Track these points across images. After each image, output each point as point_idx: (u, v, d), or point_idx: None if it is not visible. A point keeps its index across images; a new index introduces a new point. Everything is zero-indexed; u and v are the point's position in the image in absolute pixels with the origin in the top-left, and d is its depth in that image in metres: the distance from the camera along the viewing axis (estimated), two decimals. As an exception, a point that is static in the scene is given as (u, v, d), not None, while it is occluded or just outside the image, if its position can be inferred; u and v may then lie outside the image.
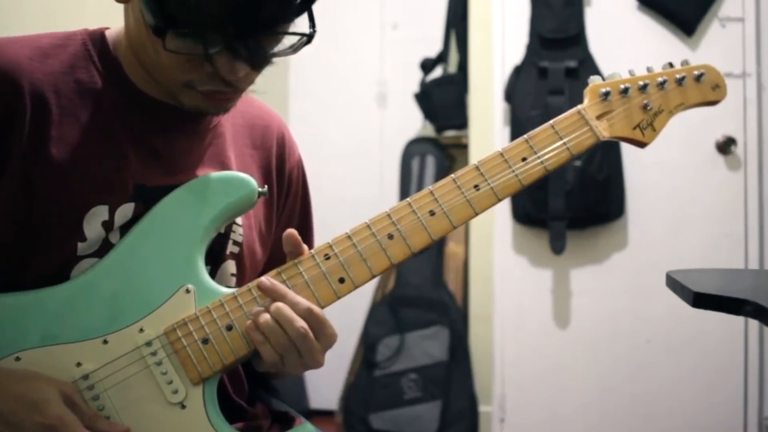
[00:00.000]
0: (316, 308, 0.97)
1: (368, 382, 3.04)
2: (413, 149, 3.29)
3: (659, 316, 2.81)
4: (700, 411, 2.81)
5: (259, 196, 1.03)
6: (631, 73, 1.14)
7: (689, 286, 1.04)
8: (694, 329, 2.78)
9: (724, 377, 2.81)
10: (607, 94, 1.11)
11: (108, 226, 0.98)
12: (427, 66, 3.26)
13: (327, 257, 1.01)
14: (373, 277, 1.01)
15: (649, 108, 1.13)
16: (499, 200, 1.05)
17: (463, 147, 3.20)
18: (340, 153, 3.50)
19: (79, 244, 0.97)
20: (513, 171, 1.05)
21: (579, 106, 1.10)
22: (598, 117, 1.11)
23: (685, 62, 1.17)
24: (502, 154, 1.06)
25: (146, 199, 1.00)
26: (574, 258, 2.93)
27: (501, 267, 2.97)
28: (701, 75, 1.16)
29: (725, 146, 2.81)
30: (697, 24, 2.84)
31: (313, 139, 3.20)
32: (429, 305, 3.06)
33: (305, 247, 1.01)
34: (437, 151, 3.26)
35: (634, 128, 1.12)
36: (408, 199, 1.03)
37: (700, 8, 2.83)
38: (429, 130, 3.35)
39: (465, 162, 3.18)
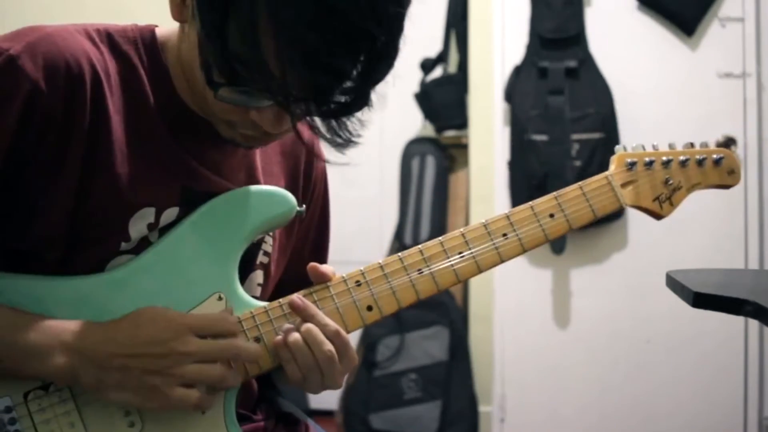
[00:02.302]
0: (343, 331, 0.98)
1: (368, 382, 3.04)
2: (413, 149, 3.28)
3: (659, 316, 2.82)
4: (700, 411, 2.81)
5: (295, 215, 1.04)
6: (654, 147, 1.19)
7: (689, 286, 1.04)
8: (694, 329, 2.78)
9: (724, 377, 2.81)
10: (633, 164, 1.16)
11: (152, 227, 0.98)
12: (427, 66, 3.26)
13: (358, 284, 1.02)
14: (400, 308, 1.03)
15: (669, 183, 1.19)
16: (525, 251, 1.10)
17: (463, 147, 3.20)
18: (340, 153, 3.49)
19: (122, 243, 0.96)
20: (540, 225, 1.10)
21: (607, 173, 1.16)
22: (623, 185, 1.16)
23: (704, 144, 1.22)
24: (532, 207, 1.10)
25: (191, 204, 1.00)
26: (574, 258, 2.93)
27: (501, 267, 2.95)
28: (720, 159, 1.22)
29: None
30: (697, 24, 2.85)
31: (313, 139, 3.19)
32: (429, 305, 3.06)
33: (330, 277, 1.02)
34: (437, 151, 3.26)
35: (654, 200, 1.19)
36: (440, 238, 1.07)
37: (700, 8, 2.84)
38: (429, 130, 3.35)
39: (465, 162, 3.18)
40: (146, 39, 1.01)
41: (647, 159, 1.17)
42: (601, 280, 2.93)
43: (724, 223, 2.82)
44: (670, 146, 1.21)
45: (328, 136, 0.91)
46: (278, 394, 1.22)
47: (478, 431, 3.03)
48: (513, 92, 2.94)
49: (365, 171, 3.49)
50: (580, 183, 1.14)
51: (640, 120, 2.85)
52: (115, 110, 0.96)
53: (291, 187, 1.12)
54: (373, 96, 0.91)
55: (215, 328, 0.93)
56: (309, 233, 1.19)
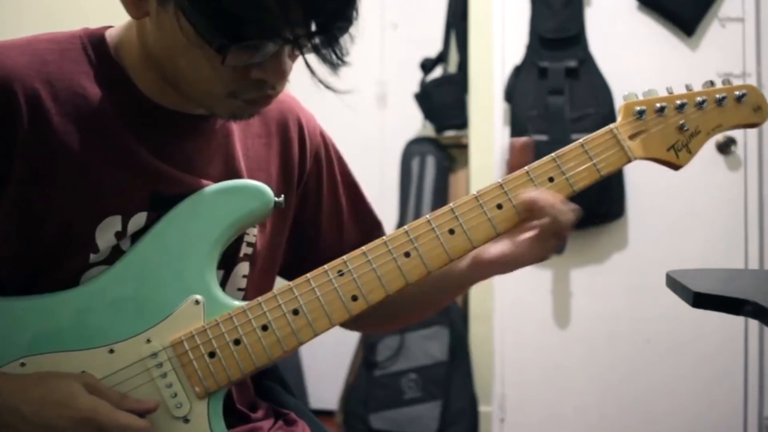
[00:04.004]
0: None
1: (368, 382, 3.04)
2: (413, 149, 3.28)
3: (659, 316, 2.81)
4: (700, 411, 2.81)
5: (275, 206, 1.01)
6: (668, 90, 1.09)
7: (689, 286, 1.04)
8: (694, 329, 2.78)
9: (724, 377, 2.81)
10: (641, 112, 1.07)
11: (120, 235, 0.97)
12: (427, 66, 3.26)
13: (341, 273, 0.98)
14: (388, 296, 0.98)
15: (685, 129, 1.08)
16: (522, 220, 1.02)
17: (463, 147, 3.20)
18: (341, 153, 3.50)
19: (91, 255, 0.96)
20: (538, 191, 1.02)
21: (612, 125, 1.06)
22: (631, 137, 1.06)
23: (726, 81, 1.11)
24: (528, 173, 1.02)
25: (160, 208, 0.98)
26: (574, 258, 2.93)
27: (501, 267, 2.96)
28: (743, 95, 1.10)
29: (725, 146, 2.81)
30: (697, 24, 2.84)
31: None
32: (429, 305, 3.06)
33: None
34: (437, 151, 3.26)
35: (669, 149, 1.08)
36: (428, 216, 1.00)
37: (700, 8, 2.83)
38: (429, 130, 3.35)
39: (465, 162, 3.18)
40: (95, 42, 0.99)
41: (658, 105, 1.07)
42: (601, 280, 2.93)
43: (724, 223, 2.82)
44: (687, 87, 1.10)
45: (328, 60, 0.91)
46: (285, 387, 1.22)
47: (478, 431, 3.03)
48: (513, 92, 2.94)
49: (365, 171, 3.49)
50: (581, 140, 1.05)
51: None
52: (65, 121, 0.94)
53: (283, 171, 1.11)
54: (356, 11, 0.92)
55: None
56: (339, 202, 1.18)
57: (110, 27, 1.02)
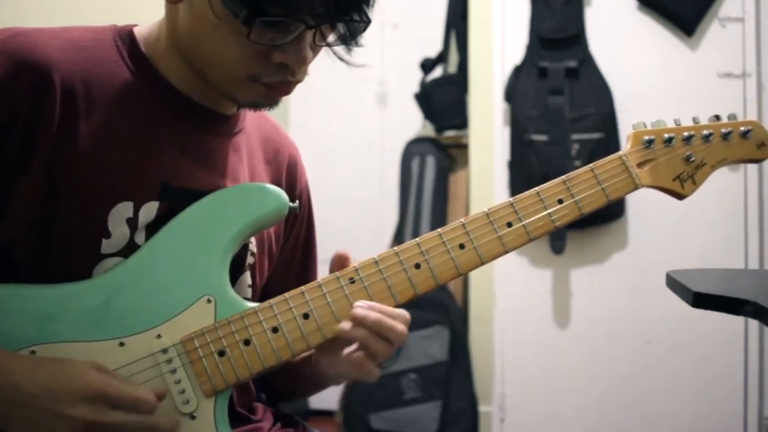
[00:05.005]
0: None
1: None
2: (413, 149, 3.29)
3: (659, 316, 2.81)
4: (700, 411, 2.81)
5: (289, 211, 1.02)
6: (676, 122, 1.12)
7: (689, 286, 1.04)
8: (694, 329, 2.78)
9: (724, 377, 2.81)
10: (650, 141, 1.10)
11: (133, 224, 0.97)
12: (427, 66, 3.26)
13: (352, 281, 1.00)
14: (398, 305, 1.00)
15: (692, 160, 1.12)
16: (531, 240, 1.04)
17: (463, 147, 3.20)
18: (341, 153, 3.50)
19: (104, 241, 0.96)
20: (547, 211, 1.05)
21: (621, 152, 1.09)
22: (639, 164, 1.10)
23: (732, 116, 1.15)
24: (538, 193, 1.05)
25: (170, 199, 0.99)
26: (574, 258, 2.93)
27: (501, 267, 2.96)
28: (748, 131, 1.14)
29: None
30: (697, 24, 2.84)
31: (313, 139, 3.20)
32: (429, 305, 3.06)
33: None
34: (437, 151, 3.26)
35: (675, 179, 1.11)
36: (439, 230, 1.02)
37: (700, 8, 2.83)
38: (429, 130, 3.36)
39: (465, 162, 3.18)
40: (124, 36, 1.03)
41: (666, 135, 1.11)
42: (601, 280, 2.93)
43: (724, 223, 2.82)
44: (694, 120, 1.13)
45: (344, 40, 0.97)
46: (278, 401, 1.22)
47: (478, 431, 3.03)
48: (513, 92, 2.94)
49: (365, 171, 3.50)
50: (591, 165, 1.08)
51: (639, 120, 2.85)
52: (94, 107, 0.96)
53: None
54: None
55: (131, 405, 0.88)
56: (295, 254, 1.19)
57: (136, 25, 1.05)
